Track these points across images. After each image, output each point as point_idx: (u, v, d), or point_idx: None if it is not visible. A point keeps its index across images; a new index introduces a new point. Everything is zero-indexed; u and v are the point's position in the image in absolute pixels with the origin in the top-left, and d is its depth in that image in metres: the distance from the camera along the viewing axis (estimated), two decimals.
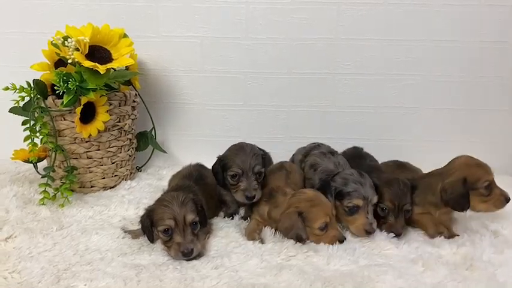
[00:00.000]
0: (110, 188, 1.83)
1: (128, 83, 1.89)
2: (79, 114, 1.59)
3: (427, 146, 2.12)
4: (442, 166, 1.51)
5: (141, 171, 2.06)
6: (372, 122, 2.13)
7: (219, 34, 2.04)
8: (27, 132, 1.60)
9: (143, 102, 1.99)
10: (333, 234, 1.37)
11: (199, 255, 1.30)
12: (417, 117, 2.12)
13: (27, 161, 1.72)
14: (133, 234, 1.43)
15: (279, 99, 2.12)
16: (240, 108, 2.15)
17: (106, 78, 1.60)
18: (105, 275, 1.18)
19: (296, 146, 1.95)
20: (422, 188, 1.50)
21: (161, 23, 2.04)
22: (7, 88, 1.61)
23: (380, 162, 1.81)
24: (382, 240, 1.39)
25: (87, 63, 1.52)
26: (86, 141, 1.72)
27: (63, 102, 1.57)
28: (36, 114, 1.62)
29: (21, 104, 1.67)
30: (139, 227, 1.39)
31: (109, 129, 1.76)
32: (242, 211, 1.66)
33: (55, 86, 1.56)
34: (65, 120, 1.67)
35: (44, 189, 1.60)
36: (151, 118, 2.02)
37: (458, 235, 1.43)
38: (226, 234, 1.44)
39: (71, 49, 1.53)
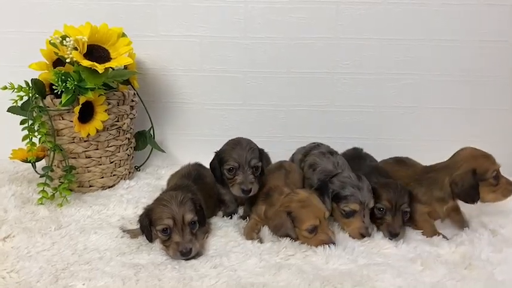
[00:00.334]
0: (109, 187, 1.83)
1: (127, 82, 1.89)
2: (77, 114, 1.59)
3: (425, 145, 2.12)
4: (445, 160, 1.51)
5: (139, 170, 2.06)
6: (370, 122, 2.13)
7: (217, 33, 2.04)
8: (26, 132, 1.60)
9: (142, 101, 1.99)
10: (322, 238, 1.34)
11: (197, 255, 1.30)
12: (416, 116, 2.12)
13: (26, 161, 1.72)
14: (132, 234, 1.43)
15: (278, 99, 2.12)
16: (239, 108, 2.15)
17: (104, 78, 1.60)
18: (103, 274, 1.18)
19: (295, 146, 1.95)
20: (428, 184, 1.49)
21: (160, 22, 2.04)
22: (5, 87, 1.61)
23: (379, 161, 1.81)
24: (381, 240, 1.39)
25: (86, 63, 1.51)
26: (85, 141, 1.71)
27: (61, 101, 1.57)
28: (34, 114, 1.61)
29: (19, 103, 1.67)
30: (138, 226, 1.39)
31: (107, 128, 1.75)
32: (241, 211, 1.66)
33: (53, 85, 1.56)
34: (63, 119, 1.66)
35: (42, 188, 1.59)
36: (149, 117, 2.01)
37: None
38: (225, 234, 1.44)
39: (69, 48, 1.52)
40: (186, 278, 1.18)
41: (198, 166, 1.73)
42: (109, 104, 1.72)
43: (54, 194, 1.61)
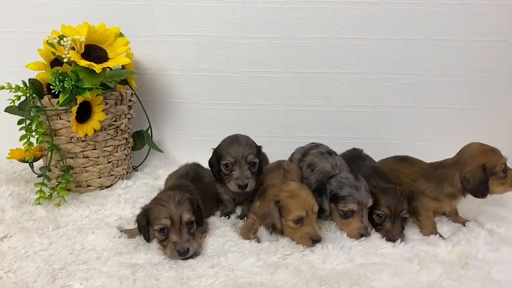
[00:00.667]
0: (106, 187, 1.83)
1: (124, 82, 1.89)
2: (75, 114, 1.58)
3: (423, 145, 2.12)
4: (453, 156, 1.52)
5: (137, 170, 2.06)
6: (368, 121, 2.14)
7: (215, 33, 2.04)
8: (23, 132, 1.60)
9: (139, 101, 1.99)
10: (307, 230, 1.34)
11: (195, 254, 1.30)
12: (414, 116, 2.12)
13: (23, 161, 1.71)
14: (130, 234, 1.43)
15: (275, 99, 2.12)
16: (236, 108, 2.15)
17: (102, 78, 1.60)
18: (101, 274, 1.18)
19: (293, 145, 1.95)
20: (438, 180, 1.50)
21: (157, 22, 2.04)
22: (3, 87, 1.60)
23: (376, 161, 1.80)
24: (378, 239, 1.39)
25: (83, 63, 1.51)
26: (82, 141, 1.71)
27: (59, 101, 1.57)
28: (32, 114, 1.61)
29: (17, 103, 1.67)
30: (136, 226, 1.38)
31: (105, 128, 1.75)
32: (239, 210, 1.66)
33: (51, 85, 1.56)
34: (60, 119, 1.66)
35: (40, 188, 1.59)
36: (147, 117, 2.01)
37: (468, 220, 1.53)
38: (223, 233, 1.44)
39: (66, 48, 1.52)
40: (183, 277, 1.18)
41: (195, 166, 1.73)
42: (107, 104, 1.72)
43: (51, 194, 1.61)
